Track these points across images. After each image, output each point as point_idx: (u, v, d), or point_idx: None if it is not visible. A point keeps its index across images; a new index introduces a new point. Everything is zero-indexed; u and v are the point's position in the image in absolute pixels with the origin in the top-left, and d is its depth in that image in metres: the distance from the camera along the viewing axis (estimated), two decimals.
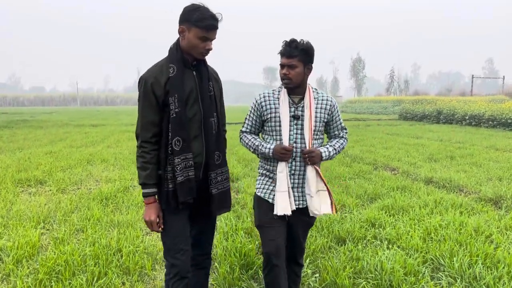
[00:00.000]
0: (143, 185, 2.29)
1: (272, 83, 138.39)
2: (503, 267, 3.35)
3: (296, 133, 2.51)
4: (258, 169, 2.72)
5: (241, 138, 2.71)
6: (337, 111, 2.64)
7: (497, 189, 6.12)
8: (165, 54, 2.37)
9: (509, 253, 3.63)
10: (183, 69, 2.27)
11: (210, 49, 2.26)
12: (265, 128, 2.62)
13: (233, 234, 4.14)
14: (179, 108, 2.22)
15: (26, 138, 14.90)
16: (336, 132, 2.69)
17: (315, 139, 2.54)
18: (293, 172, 2.52)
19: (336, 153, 2.61)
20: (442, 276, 3.33)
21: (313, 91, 2.58)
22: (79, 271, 3.45)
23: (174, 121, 2.22)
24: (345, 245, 3.99)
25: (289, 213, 2.46)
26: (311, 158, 2.46)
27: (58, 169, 8.26)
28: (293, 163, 2.51)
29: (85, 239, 4.17)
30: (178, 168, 2.23)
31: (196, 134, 2.33)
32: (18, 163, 8.86)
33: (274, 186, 2.55)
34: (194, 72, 2.32)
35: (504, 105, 21.22)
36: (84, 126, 21.81)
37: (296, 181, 2.54)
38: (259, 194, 2.62)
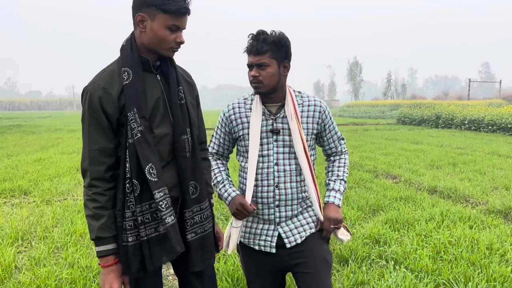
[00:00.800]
0: (98, 240, 1.62)
1: None
2: None
3: (277, 152, 1.96)
4: None
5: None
6: (330, 118, 2.08)
7: (505, 200, 5.81)
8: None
9: None
10: (142, 73, 1.65)
11: (182, 42, 1.66)
12: (238, 147, 2.10)
13: (224, 255, 3.80)
14: (142, 126, 1.60)
15: (17, 144, 14.53)
16: (332, 145, 2.14)
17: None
18: (277, 203, 1.97)
19: (345, 183, 2.12)
20: None
21: (295, 95, 2.04)
22: None
23: (140, 144, 1.59)
24: (348, 266, 3.65)
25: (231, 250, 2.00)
26: (337, 222, 1.98)
27: (46, 178, 7.90)
28: (276, 191, 1.96)
29: (64, 259, 3.82)
30: (163, 205, 1.60)
31: (168, 160, 1.72)
32: (4, 172, 8.50)
33: (257, 223, 2.03)
34: (158, 76, 1.72)
35: (503, 109, 20.94)
36: (77, 131, 21.38)
37: (284, 213, 1.98)
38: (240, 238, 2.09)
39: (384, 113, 42.66)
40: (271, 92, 1.95)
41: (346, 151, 2.21)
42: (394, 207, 5.55)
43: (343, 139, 2.19)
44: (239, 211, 1.95)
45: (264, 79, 1.90)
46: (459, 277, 3.29)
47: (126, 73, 1.62)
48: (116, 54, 1.71)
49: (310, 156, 2.01)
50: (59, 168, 9.06)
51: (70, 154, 11.61)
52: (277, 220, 1.98)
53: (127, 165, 1.61)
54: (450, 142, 14.29)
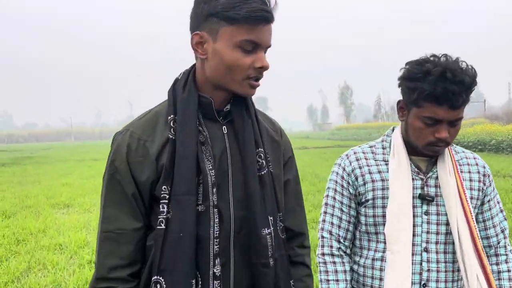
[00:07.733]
0: None
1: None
2: None
3: (428, 231, 1.33)
4: None
5: (318, 263, 1.44)
6: (492, 186, 1.43)
7: None
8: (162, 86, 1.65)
9: None
10: (196, 122, 1.10)
11: (265, 67, 1.07)
12: (361, 220, 1.42)
13: None
14: (176, 210, 1.05)
15: (38, 173, 16.40)
16: (492, 232, 1.41)
17: None
18: None
19: None
20: None
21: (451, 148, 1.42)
22: None
23: (159, 240, 1.05)
24: None
25: None
26: None
27: (79, 195, 10.02)
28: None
29: None
30: None
31: (221, 263, 1.09)
32: (43, 192, 10.58)
33: None
34: (224, 127, 1.15)
35: (469, 130, 22.59)
36: (85, 161, 23.24)
37: None
38: None
39: (371, 135, 44.83)
40: None
41: None
42: None
43: (505, 221, 1.44)
44: None
45: (452, 138, 1.29)
46: None
47: (173, 122, 1.09)
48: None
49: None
50: (86, 188, 11.18)
51: (89, 179, 13.68)
52: None
53: (152, 266, 1.08)
54: None
